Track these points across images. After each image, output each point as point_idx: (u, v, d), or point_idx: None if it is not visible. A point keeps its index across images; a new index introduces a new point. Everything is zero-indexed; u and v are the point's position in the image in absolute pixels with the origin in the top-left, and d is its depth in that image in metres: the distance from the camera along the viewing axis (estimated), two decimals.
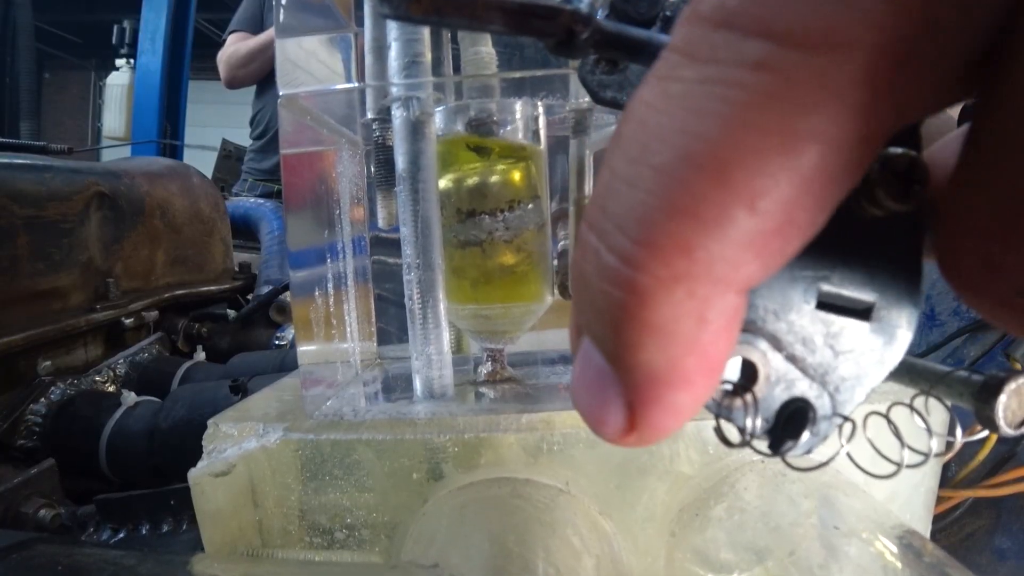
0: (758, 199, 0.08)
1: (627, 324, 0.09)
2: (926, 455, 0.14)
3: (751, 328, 0.11)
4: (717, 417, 0.11)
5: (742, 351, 0.11)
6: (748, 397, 0.11)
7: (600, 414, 0.10)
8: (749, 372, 0.11)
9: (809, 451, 0.11)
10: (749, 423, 0.11)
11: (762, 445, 0.12)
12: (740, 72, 0.08)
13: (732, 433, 0.11)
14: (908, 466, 0.14)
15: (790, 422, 0.11)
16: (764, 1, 0.08)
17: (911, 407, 0.14)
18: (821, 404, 0.11)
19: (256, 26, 1.59)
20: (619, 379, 0.09)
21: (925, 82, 0.08)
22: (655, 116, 0.09)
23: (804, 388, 0.11)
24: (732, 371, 0.11)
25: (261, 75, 1.58)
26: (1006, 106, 0.08)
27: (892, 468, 0.14)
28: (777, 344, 0.11)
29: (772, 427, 0.11)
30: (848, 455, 0.13)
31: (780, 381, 0.11)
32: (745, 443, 0.11)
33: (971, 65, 0.09)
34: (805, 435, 0.11)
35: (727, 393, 0.11)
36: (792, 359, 0.11)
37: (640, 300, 0.09)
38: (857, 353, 0.11)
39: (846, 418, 0.11)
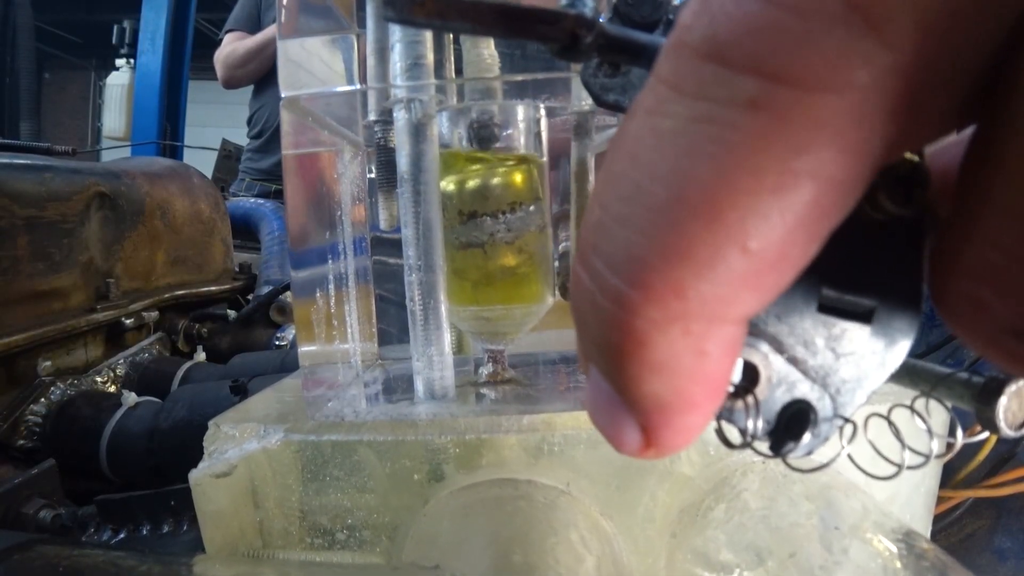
0: (750, 240, 0.08)
1: (627, 363, 0.09)
2: (927, 456, 0.14)
3: (753, 331, 0.11)
4: (719, 419, 0.11)
5: (744, 354, 0.11)
6: (750, 399, 0.11)
7: (617, 434, 0.10)
8: (751, 374, 0.11)
9: (810, 452, 0.11)
10: (751, 424, 0.11)
11: (763, 447, 0.12)
12: (732, 112, 0.08)
13: (733, 434, 0.11)
14: (909, 467, 0.14)
15: (791, 424, 0.11)
16: (756, 37, 0.08)
17: (912, 409, 0.14)
18: (822, 406, 0.11)
19: (253, 25, 1.58)
20: (629, 408, 0.10)
21: (922, 118, 0.08)
22: (646, 153, 0.09)
23: (805, 390, 0.11)
24: (734, 373, 0.11)
25: (259, 75, 1.58)
26: (1005, 143, 0.08)
27: (893, 469, 0.14)
28: (779, 346, 0.11)
29: (773, 428, 0.11)
30: (849, 456, 0.13)
31: (781, 383, 0.11)
32: (746, 444, 0.11)
33: (969, 97, 0.08)
34: (806, 437, 0.11)
35: (729, 395, 0.11)
36: (793, 361, 0.11)
37: (637, 341, 0.09)
38: (858, 356, 0.11)
39: (847, 420, 0.11)
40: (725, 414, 0.11)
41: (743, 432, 0.11)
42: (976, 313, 0.09)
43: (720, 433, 0.12)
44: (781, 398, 0.11)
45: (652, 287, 0.08)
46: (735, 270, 0.08)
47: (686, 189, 0.08)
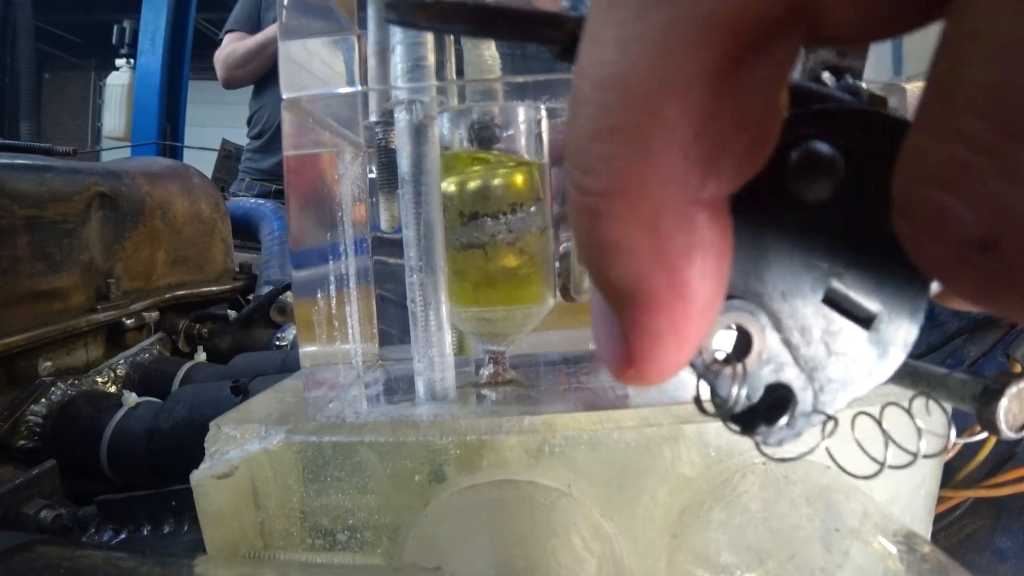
0: (664, 108, 0.09)
1: (592, 246, 0.10)
2: (914, 455, 0.14)
3: (756, 301, 0.11)
4: (700, 379, 0.11)
5: (742, 319, 0.11)
6: (738, 367, 0.11)
7: (606, 349, 0.10)
8: (743, 344, 0.11)
9: (780, 442, 0.12)
10: (734, 391, 0.11)
11: (735, 427, 0.12)
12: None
13: (708, 404, 0.12)
14: (892, 467, 0.14)
15: (770, 408, 0.11)
16: None
17: (905, 408, 0.14)
18: (804, 398, 0.11)
19: (253, 26, 1.58)
20: (608, 308, 0.10)
21: None
22: (590, 56, 0.09)
23: (792, 376, 0.11)
24: (726, 342, 0.11)
25: (259, 75, 1.58)
26: (977, 12, 0.07)
27: (876, 467, 0.14)
28: (777, 324, 0.11)
29: (752, 407, 0.11)
30: (828, 451, 0.13)
31: (771, 361, 0.11)
32: (720, 414, 0.11)
33: None
34: (781, 422, 0.11)
35: (718, 361, 0.11)
36: (787, 343, 0.11)
37: (592, 219, 0.09)
38: (849, 358, 0.11)
39: (829, 417, 0.11)
40: (710, 377, 0.11)
41: (723, 401, 0.11)
42: (940, 226, 0.08)
43: (697, 399, 0.12)
44: (767, 377, 0.11)
45: (590, 165, 0.09)
46: (661, 141, 0.09)
47: (606, 73, 0.09)
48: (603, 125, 0.09)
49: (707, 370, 0.11)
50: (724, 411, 0.11)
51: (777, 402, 0.11)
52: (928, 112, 0.08)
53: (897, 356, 0.11)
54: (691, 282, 0.10)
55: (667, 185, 0.09)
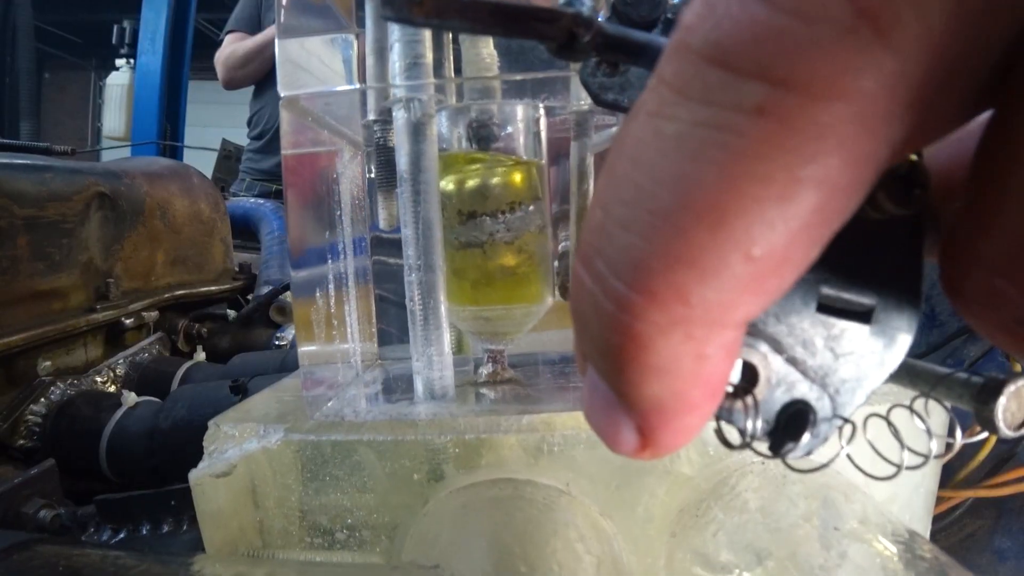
0: (755, 247, 0.08)
1: (627, 365, 0.09)
2: (926, 456, 0.14)
3: (752, 331, 0.11)
4: (718, 419, 0.11)
5: (743, 354, 0.11)
6: (749, 399, 0.11)
7: (614, 435, 0.10)
8: (750, 374, 0.11)
9: (809, 453, 0.11)
10: (750, 425, 0.11)
11: (763, 447, 0.12)
12: (738, 117, 0.08)
13: (733, 435, 0.11)
14: (908, 468, 0.14)
15: (790, 424, 0.11)
16: (762, 42, 0.08)
17: (911, 409, 0.14)
18: (821, 406, 0.11)
19: (253, 26, 1.58)
20: (626, 409, 0.10)
21: (929, 121, 0.08)
22: (648, 156, 0.09)
23: (804, 390, 0.11)
24: (733, 373, 0.11)
25: (259, 75, 1.58)
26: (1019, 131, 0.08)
27: (892, 469, 0.14)
28: (778, 346, 0.11)
29: (772, 429, 0.11)
30: (848, 457, 0.13)
31: (781, 383, 0.11)
32: (746, 445, 0.11)
33: (980, 90, 0.08)
34: (805, 437, 0.11)
35: (728, 395, 0.11)
36: (793, 361, 0.11)
37: (638, 345, 0.09)
38: (857, 355, 0.11)
39: (846, 420, 0.11)
40: (724, 414, 0.11)
41: (742, 432, 0.11)
42: (992, 304, 0.09)
43: (719, 434, 0.11)
44: (780, 398, 0.11)
45: (655, 292, 0.08)
46: (739, 276, 0.08)
47: (691, 194, 0.08)
48: (679, 254, 0.08)
49: (720, 409, 0.11)
50: (747, 441, 0.11)
51: (796, 415, 0.11)
52: (981, 209, 0.09)
53: (905, 340, 0.11)
54: (722, 382, 0.10)
55: (728, 315, 0.09)
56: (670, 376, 0.09)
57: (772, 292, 0.09)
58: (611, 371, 0.09)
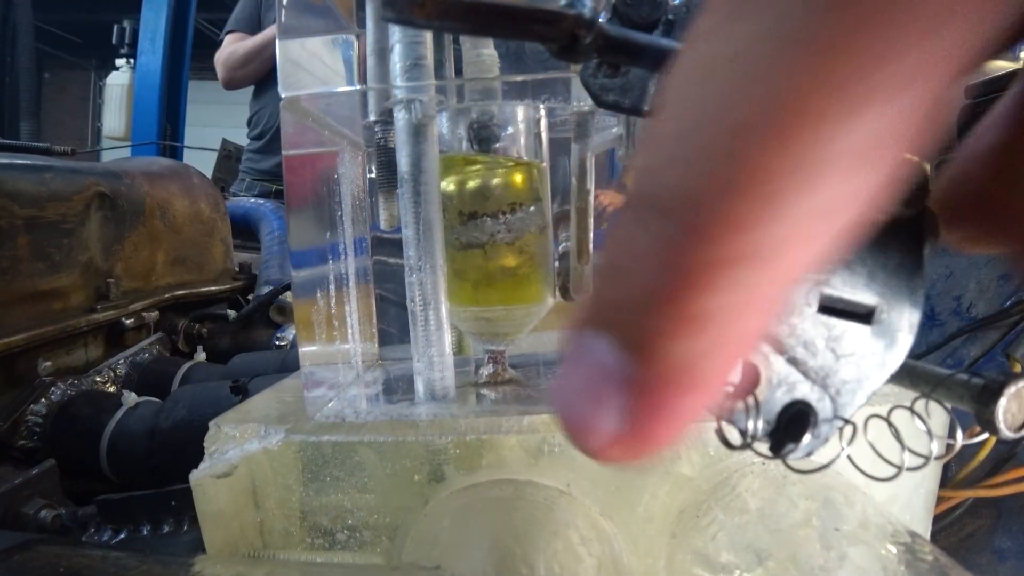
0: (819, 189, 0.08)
1: (662, 310, 0.08)
2: (927, 457, 0.14)
3: None
4: (719, 419, 0.11)
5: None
6: (750, 400, 0.11)
7: (589, 417, 0.09)
8: (751, 375, 0.11)
9: (810, 453, 0.11)
10: (751, 425, 0.11)
11: (763, 448, 0.12)
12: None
13: (733, 435, 0.11)
14: (908, 469, 0.14)
15: (791, 424, 0.11)
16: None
17: (911, 410, 0.14)
18: (822, 407, 0.11)
19: (253, 26, 1.58)
20: (627, 377, 0.09)
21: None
22: (716, 82, 0.08)
23: (805, 391, 0.11)
24: (734, 374, 0.11)
25: (259, 75, 1.58)
26: None
27: (893, 471, 0.14)
28: (779, 347, 0.11)
29: (773, 429, 0.11)
30: (849, 458, 0.13)
31: (782, 384, 0.11)
32: (746, 445, 0.11)
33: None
34: (806, 437, 0.11)
35: (729, 395, 0.11)
36: (794, 362, 0.11)
37: (684, 285, 0.08)
38: (858, 356, 0.11)
39: (847, 421, 0.11)
40: (725, 415, 0.11)
41: (743, 433, 0.11)
42: None
43: (720, 434, 0.12)
44: (781, 399, 0.11)
45: (715, 223, 0.08)
46: (804, 208, 0.08)
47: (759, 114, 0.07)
48: (742, 181, 0.08)
49: (721, 409, 0.11)
50: (748, 442, 0.11)
51: (797, 416, 0.11)
52: None
53: (906, 340, 0.11)
54: (734, 363, 0.09)
55: (793, 259, 0.08)
56: (702, 330, 0.08)
57: (831, 245, 0.08)
58: (637, 319, 0.08)
